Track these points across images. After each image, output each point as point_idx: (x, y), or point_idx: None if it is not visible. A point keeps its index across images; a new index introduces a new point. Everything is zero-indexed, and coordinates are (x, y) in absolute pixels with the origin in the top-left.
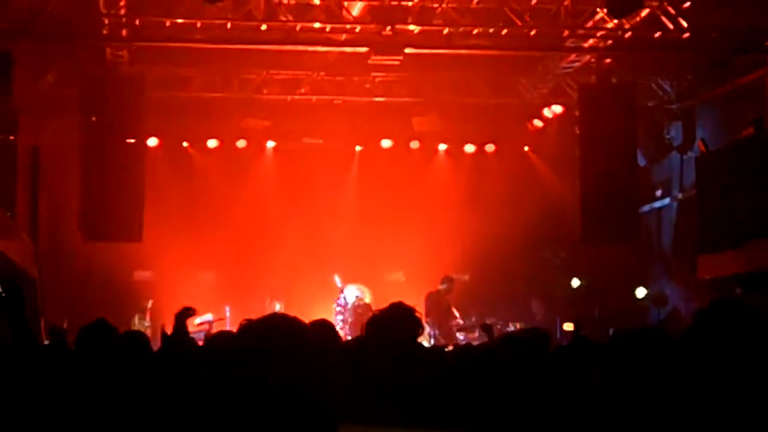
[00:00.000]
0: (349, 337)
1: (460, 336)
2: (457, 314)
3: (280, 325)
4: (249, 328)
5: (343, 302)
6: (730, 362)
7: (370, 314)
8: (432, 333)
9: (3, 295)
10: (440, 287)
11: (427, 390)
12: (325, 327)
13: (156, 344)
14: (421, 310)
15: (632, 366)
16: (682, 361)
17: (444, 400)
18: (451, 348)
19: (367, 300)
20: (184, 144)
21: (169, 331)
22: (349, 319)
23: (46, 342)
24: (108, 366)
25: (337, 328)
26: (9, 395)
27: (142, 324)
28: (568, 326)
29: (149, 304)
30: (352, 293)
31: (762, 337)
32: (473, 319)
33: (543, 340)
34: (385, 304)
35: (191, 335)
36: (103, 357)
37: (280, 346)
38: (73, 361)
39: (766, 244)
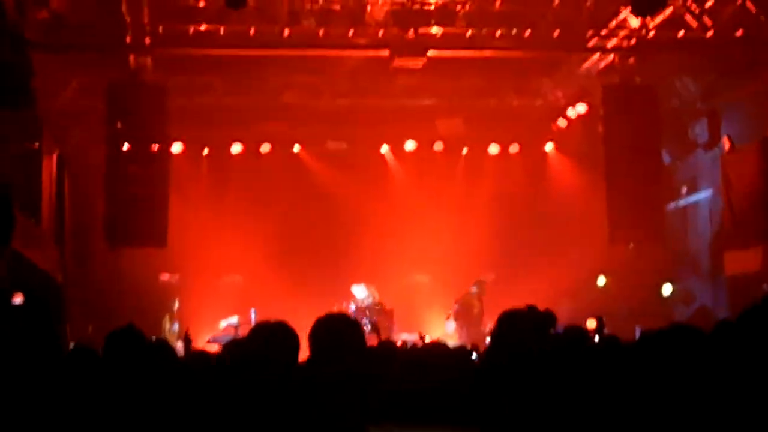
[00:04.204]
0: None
1: (488, 340)
2: (483, 319)
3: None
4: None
5: (353, 306)
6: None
7: (383, 312)
8: (459, 333)
9: (24, 305)
10: (471, 290)
11: (451, 390)
12: (351, 325)
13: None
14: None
15: (668, 364)
16: (721, 359)
17: (468, 399)
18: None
19: (377, 298)
20: (205, 151)
21: (192, 336)
22: (363, 318)
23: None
24: (136, 372)
25: None
26: (34, 403)
27: (171, 328)
28: (591, 323)
29: (176, 306)
30: (360, 293)
31: None
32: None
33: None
34: (409, 306)
35: (218, 338)
36: (132, 363)
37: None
38: (101, 367)
39: None
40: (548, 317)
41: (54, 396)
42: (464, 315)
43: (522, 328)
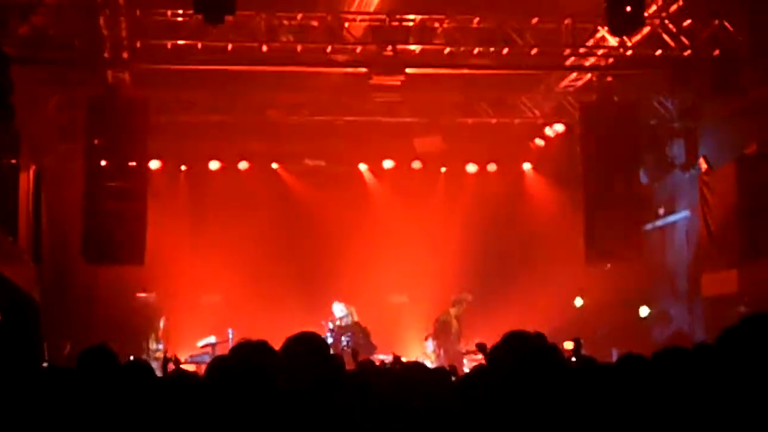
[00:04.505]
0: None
1: (465, 360)
2: (460, 339)
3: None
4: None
5: (332, 325)
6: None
7: (361, 332)
8: (438, 353)
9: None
10: (450, 309)
11: (430, 411)
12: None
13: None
14: (427, 328)
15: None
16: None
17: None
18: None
19: (356, 318)
20: (182, 167)
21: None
22: (341, 337)
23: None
24: (107, 391)
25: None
26: (11, 418)
27: (156, 347)
28: (568, 345)
29: (161, 324)
30: (339, 312)
31: None
32: (477, 340)
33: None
34: (387, 326)
35: (195, 357)
36: (103, 381)
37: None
38: (74, 385)
39: None
40: (553, 348)
41: (29, 414)
42: (443, 334)
43: (524, 353)
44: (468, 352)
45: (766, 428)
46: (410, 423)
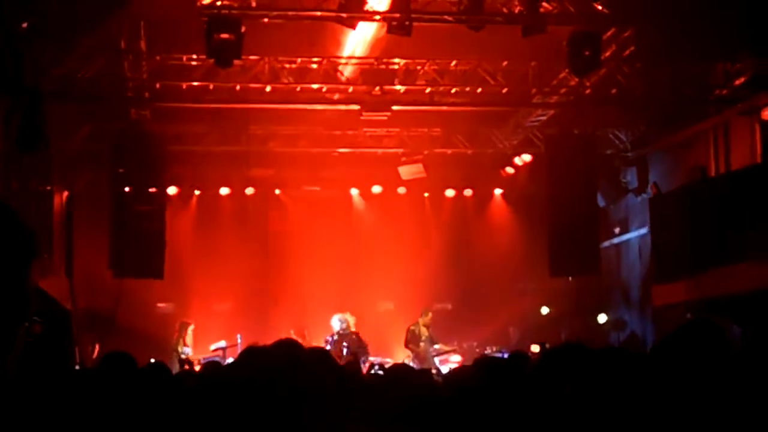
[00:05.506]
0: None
1: (436, 361)
2: (434, 343)
3: (280, 351)
4: (252, 353)
5: (330, 336)
6: (697, 377)
7: (357, 340)
8: (412, 358)
9: (39, 328)
10: (419, 320)
11: (418, 411)
12: (321, 353)
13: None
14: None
15: (602, 381)
16: (650, 375)
17: (433, 420)
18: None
19: (352, 328)
20: (196, 192)
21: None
22: (340, 346)
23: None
24: (127, 388)
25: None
26: (45, 414)
27: (185, 351)
28: (535, 348)
29: (190, 331)
30: (336, 323)
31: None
32: (455, 343)
33: (522, 362)
34: (376, 331)
35: (207, 359)
36: (123, 381)
37: (280, 370)
38: (98, 384)
39: (713, 274)
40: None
41: (59, 410)
42: (412, 343)
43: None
44: (438, 353)
45: (707, 410)
46: (396, 411)
